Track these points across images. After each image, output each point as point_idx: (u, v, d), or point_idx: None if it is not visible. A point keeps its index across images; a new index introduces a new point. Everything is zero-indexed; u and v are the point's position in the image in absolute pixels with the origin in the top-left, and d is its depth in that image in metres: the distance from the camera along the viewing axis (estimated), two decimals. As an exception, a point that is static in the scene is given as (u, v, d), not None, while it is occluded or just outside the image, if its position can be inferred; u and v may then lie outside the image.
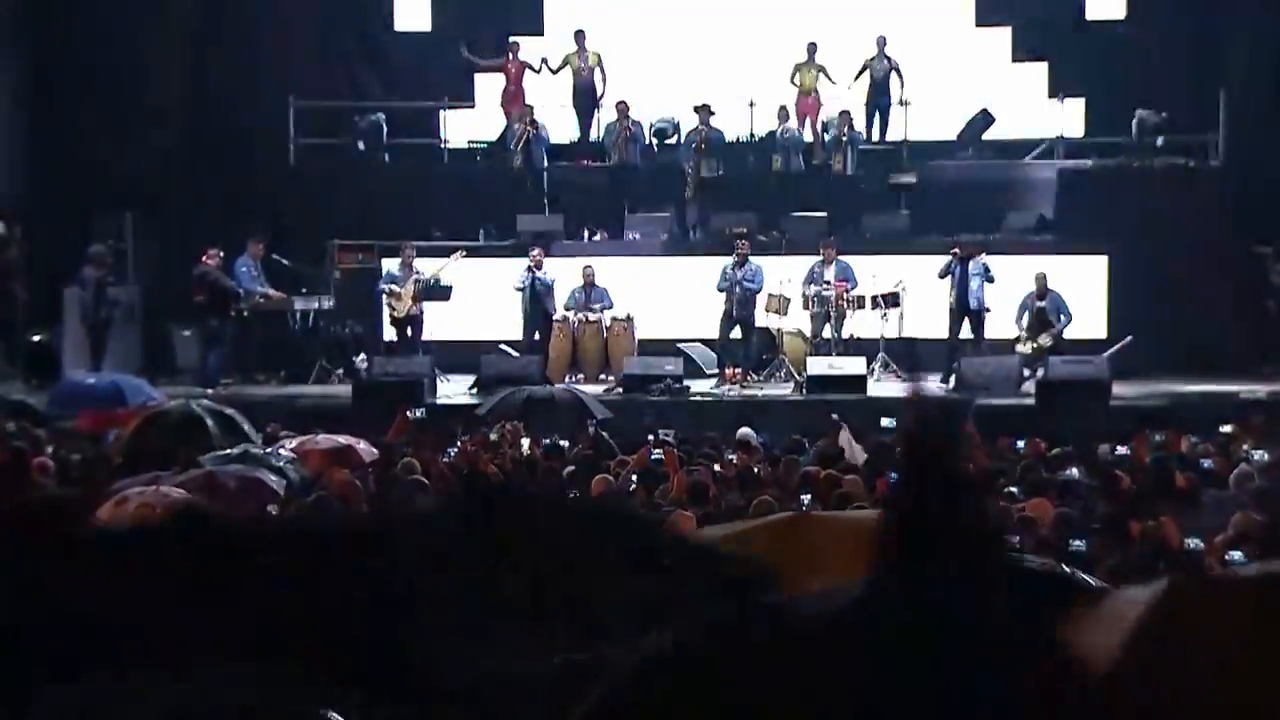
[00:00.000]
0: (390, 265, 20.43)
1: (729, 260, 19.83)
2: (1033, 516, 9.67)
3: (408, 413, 13.21)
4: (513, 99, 23.15)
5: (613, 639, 1.24)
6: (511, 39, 23.48)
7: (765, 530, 5.66)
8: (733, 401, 18.60)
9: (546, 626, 1.24)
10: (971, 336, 19.89)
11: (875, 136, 23.01)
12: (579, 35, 23.20)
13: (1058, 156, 22.86)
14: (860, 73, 22.87)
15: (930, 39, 23.86)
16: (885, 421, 14.83)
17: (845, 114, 22.40)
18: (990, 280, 19.68)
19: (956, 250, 19.71)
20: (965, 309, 19.73)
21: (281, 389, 19.59)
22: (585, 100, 23.33)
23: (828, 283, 19.88)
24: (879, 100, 22.90)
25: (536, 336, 20.22)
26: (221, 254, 19.82)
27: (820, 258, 20.12)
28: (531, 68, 23.20)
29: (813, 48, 23.04)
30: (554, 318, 20.33)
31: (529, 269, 20.19)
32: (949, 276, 19.71)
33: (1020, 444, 13.35)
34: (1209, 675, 1.67)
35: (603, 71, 23.16)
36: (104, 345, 19.88)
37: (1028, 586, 1.71)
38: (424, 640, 1.21)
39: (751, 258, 19.95)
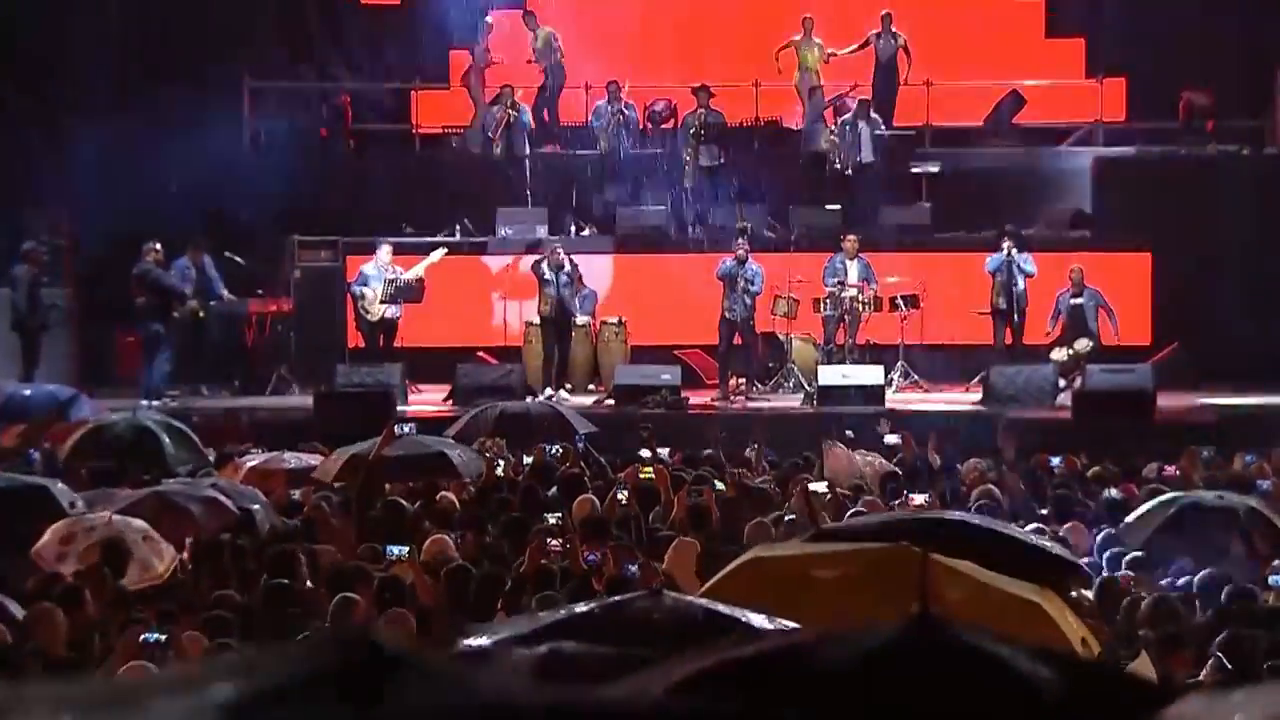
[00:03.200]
0: (365, 264, 20.46)
1: (730, 259, 19.87)
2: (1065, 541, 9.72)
3: (395, 427, 13.16)
4: (479, 81, 23.08)
5: None
6: (488, 19, 23.44)
7: (726, 585, 5.88)
8: (736, 414, 18.64)
9: None
10: (1009, 341, 19.98)
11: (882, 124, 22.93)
12: (528, 17, 23.16)
13: (1096, 143, 22.94)
14: (862, 46, 22.89)
15: (954, 12, 23.95)
16: (889, 438, 14.91)
17: (865, 102, 22.46)
18: (1029, 274, 19.80)
19: (1008, 241, 19.75)
20: (1013, 308, 19.80)
21: (235, 400, 19.63)
22: (546, 86, 23.20)
23: (851, 284, 19.92)
24: (886, 82, 22.90)
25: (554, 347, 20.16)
26: (159, 247, 19.82)
27: (842, 253, 20.17)
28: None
29: (809, 22, 23.08)
30: (578, 323, 20.35)
31: (549, 266, 20.07)
32: (999, 271, 19.76)
33: (1055, 461, 13.44)
34: None
35: (558, 50, 23.02)
36: (38, 352, 19.90)
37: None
38: None
39: (753, 257, 19.97)
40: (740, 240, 19.99)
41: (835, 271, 20.13)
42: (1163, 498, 10.78)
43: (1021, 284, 19.82)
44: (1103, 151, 22.71)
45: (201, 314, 20.12)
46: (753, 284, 19.78)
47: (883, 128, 22.53)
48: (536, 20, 23.05)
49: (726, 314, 19.82)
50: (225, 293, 20.48)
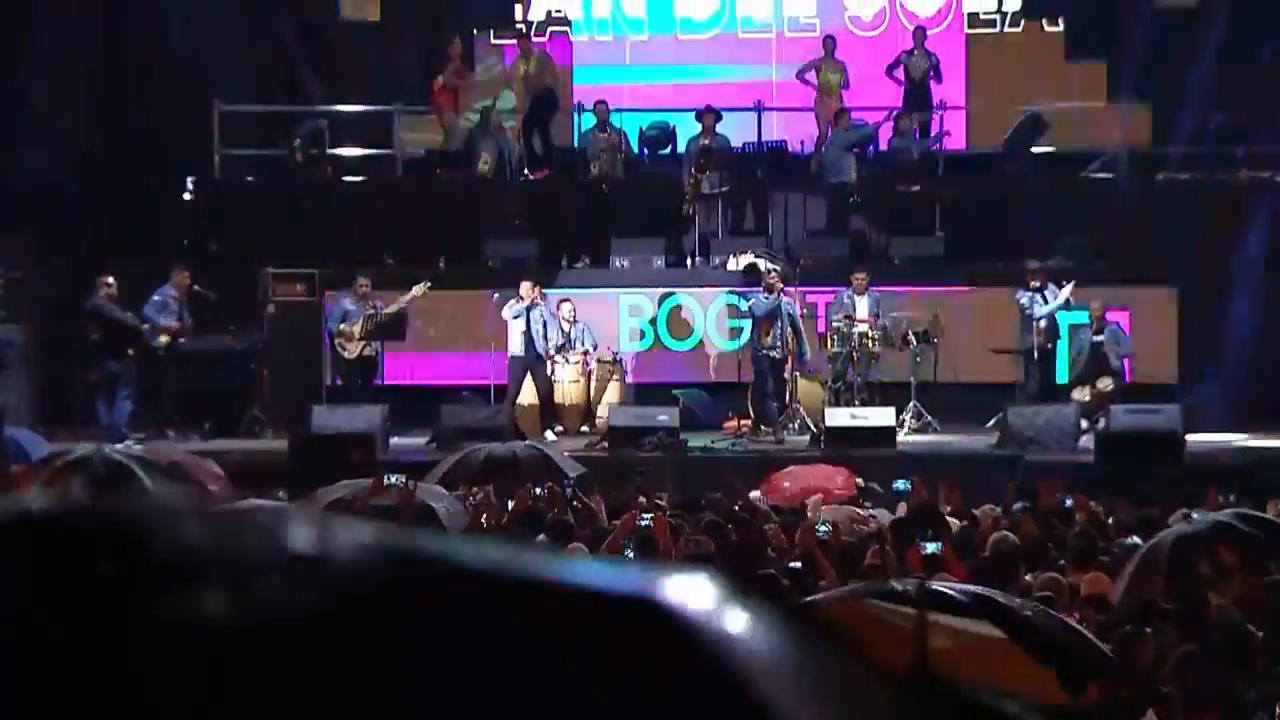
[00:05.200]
0: (343, 299, 20.53)
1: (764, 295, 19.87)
2: (1097, 595, 9.76)
3: (385, 477, 13.21)
4: (446, 99, 23.20)
5: None
6: (475, 31, 23.59)
7: None
8: (738, 457, 18.69)
9: None
10: (1034, 382, 20.07)
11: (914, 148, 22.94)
12: (521, 35, 23.27)
13: (1119, 170, 23.03)
14: (892, 68, 23.03)
15: (970, 33, 24.09)
16: (899, 483, 14.97)
17: (875, 124, 22.62)
18: (1068, 308, 19.96)
19: (1034, 278, 19.91)
20: (1042, 349, 19.91)
21: (205, 443, 19.65)
22: (536, 110, 23.36)
23: (861, 319, 20.00)
24: (918, 104, 22.99)
25: (528, 383, 20.21)
26: (111, 280, 19.88)
27: (850, 288, 20.25)
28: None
29: (830, 42, 23.20)
30: (570, 360, 20.46)
31: (521, 303, 20.14)
32: (1025, 308, 19.92)
33: (1068, 502, 13.53)
34: None
35: (554, 74, 23.16)
36: (-7, 392, 19.95)
37: None
38: None
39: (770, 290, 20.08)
40: (774, 272, 19.99)
41: (843, 306, 20.21)
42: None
43: (1056, 320, 19.98)
44: (1127, 178, 22.78)
45: (161, 352, 20.17)
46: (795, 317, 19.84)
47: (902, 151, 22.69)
48: (530, 42, 23.14)
49: (769, 352, 19.75)
50: (172, 323, 20.47)
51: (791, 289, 20.06)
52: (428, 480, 14.93)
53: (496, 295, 20.65)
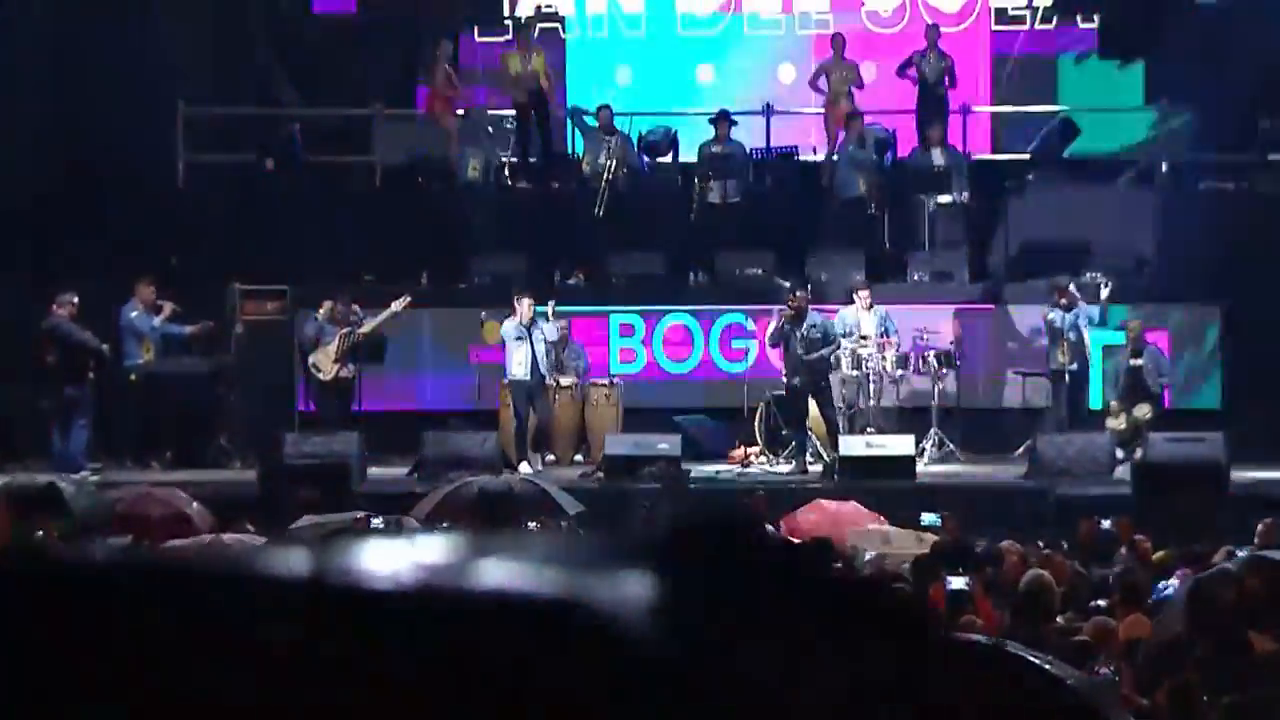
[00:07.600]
0: (317, 318, 20.47)
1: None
2: (1136, 640, 9.74)
3: (371, 518, 13.23)
4: (444, 106, 23.24)
5: None
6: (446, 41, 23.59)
7: None
8: (744, 489, 18.66)
9: None
10: (1066, 407, 20.01)
11: (933, 158, 22.85)
12: (520, 30, 23.33)
13: (1158, 178, 23.03)
14: (904, 68, 23.02)
15: (996, 30, 24.12)
16: (926, 518, 14.96)
17: (890, 131, 22.67)
18: (1103, 324, 19.91)
19: (1062, 295, 19.87)
20: (1073, 371, 19.88)
21: (166, 474, 19.61)
22: (527, 112, 23.38)
23: (864, 337, 19.96)
24: (931, 107, 22.97)
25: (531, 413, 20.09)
26: (75, 300, 19.86)
27: (855, 305, 20.19)
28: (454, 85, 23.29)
29: (840, 42, 23.18)
30: (562, 384, 20.40)
31: (521, 319, 20.07)
32: (1055, 327, 19.88)
33: (1106, 524, 13.51)
34: None
35: (549, 77, 23.14)
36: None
37: None
38: None
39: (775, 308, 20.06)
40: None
41: (845, 325, 20.02)
42: None
43: (1082, 337, 19.94)
44: (1166, 188, 22.77)
45: (132, 376, 20.18)
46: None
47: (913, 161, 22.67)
48: (528, 39, 23.15)
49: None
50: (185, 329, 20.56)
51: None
52: (414, 514, 14.93)
53: (485, 313, 20.64)
